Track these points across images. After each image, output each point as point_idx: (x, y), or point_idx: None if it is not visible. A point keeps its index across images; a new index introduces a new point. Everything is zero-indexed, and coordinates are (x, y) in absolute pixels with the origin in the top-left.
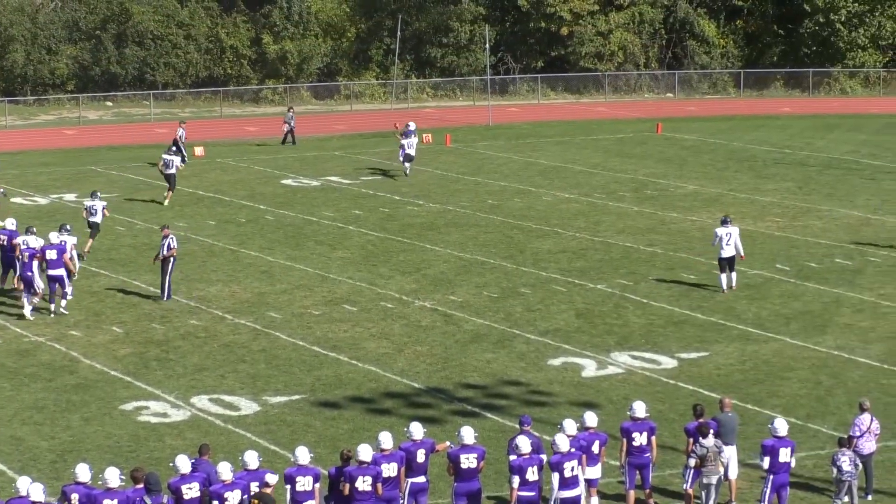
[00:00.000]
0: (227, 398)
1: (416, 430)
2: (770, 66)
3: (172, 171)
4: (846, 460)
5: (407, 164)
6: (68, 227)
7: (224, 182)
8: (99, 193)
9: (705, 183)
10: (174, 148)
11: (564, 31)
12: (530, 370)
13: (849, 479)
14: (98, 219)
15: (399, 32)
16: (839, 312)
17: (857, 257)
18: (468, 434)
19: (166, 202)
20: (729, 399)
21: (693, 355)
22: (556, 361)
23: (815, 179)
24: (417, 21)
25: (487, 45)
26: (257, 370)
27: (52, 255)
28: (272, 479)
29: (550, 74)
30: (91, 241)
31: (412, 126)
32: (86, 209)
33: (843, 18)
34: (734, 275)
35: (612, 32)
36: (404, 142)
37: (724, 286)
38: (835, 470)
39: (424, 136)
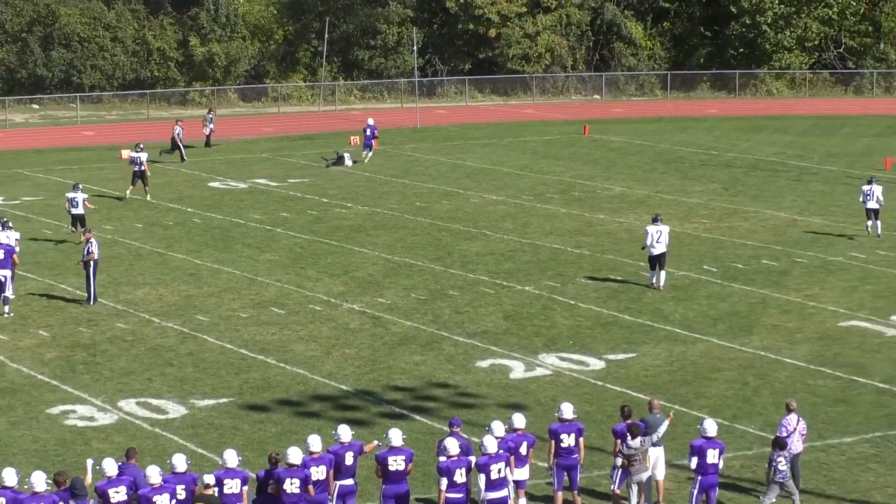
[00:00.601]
0: (154, 402)
1: (345, 432)
2: (697, 67)
3: (142, 167)
4: (782, 461)
5: (367, 151)
6: (10, 223)
7: (151, 185)
8: (80, 186)
9: (632, 184)
10: (172, 147)
11: (492, 32)
12: (458, 372)
13: (782, 479)
14: (80, 210)
15: (327, 35)
16: (766, 313)
17: (784, 258)
18: (396, 436)
19: (148, 197)
20: (657, 400)
21: (621, 356)
22: (485, 363)
23: (741, 181)
24: (345, 23)
25: (415, 48)
26: (185, 373)
27: None
28: (210, 479)
29: (478, 77)
30: (72, 229)
31: (371, 122)
32: (67, 201)
33: (769, 20)
34: (663, 273)
35: (540, 35)
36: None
37: (653, 281)
38: (771, 470)
39: (352, 138)
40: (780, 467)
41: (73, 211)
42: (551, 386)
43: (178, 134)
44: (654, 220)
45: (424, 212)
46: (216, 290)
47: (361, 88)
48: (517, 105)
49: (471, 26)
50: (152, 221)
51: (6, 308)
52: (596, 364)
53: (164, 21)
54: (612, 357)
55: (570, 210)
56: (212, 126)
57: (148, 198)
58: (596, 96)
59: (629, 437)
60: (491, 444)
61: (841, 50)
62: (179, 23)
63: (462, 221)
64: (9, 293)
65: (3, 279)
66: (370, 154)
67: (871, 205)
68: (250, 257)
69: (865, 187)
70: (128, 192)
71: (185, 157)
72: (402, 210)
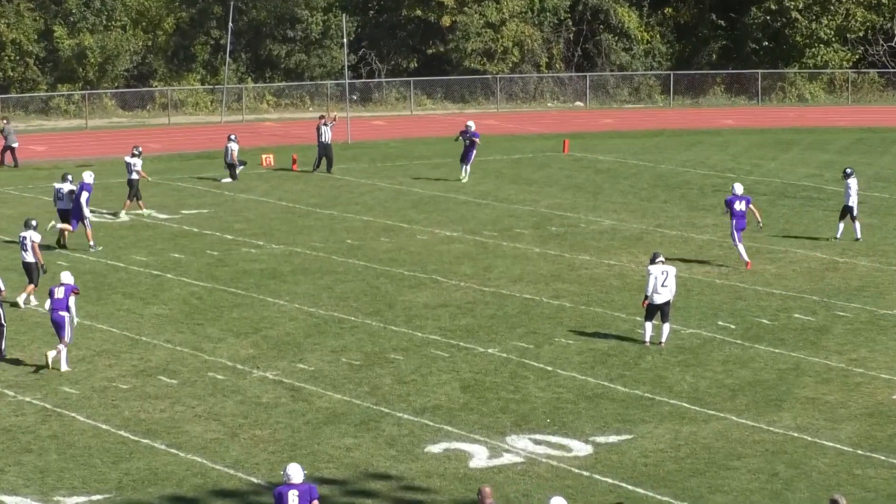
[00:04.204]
0: (9, 500)
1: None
2: (707, 66)
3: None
4: None
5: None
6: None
7: (4, 217)
8: (70, 177)
9: (625, 216)
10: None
11: (445, 21)
12: (403, 459)
13: None
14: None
15: (231, 24)
16: (799, 383)
17: (822, 312)
18: None
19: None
20: None
21: (612, 439)
22: (437, 448)
23: (766, 212)
24: (255, 9)
25: (345, 41)
26: (47, 462)
27: None
28: None
29: (426, 78)
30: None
31: (471, 125)
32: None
33: (800, 6)
34: (667, 328)
35: (506, 24)
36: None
37: (649, 337)
38: None
39: (265, 156)
40: None
41: (61, 205)
42: (523, 478)
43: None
44: (654, 260)
45: (358, 251)
46: (87, 353)
47: (276, 93)
48: (477, 114)
49: (417, 12)
50: (5, 265)
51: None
52: (581, 449)
53: (21, 6)
54: (601, 440)
55: (545, 249)
56: (9, 140)
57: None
58: (578, 103)
59: None
60: None
61: (893, 44)
62: (41, 8)
63: (407, 264)
64: None
65: None
66: (468, 170)
67: (852, 202)
68: (132, 311)
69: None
70: (143, 208)
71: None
72: (329, 249)
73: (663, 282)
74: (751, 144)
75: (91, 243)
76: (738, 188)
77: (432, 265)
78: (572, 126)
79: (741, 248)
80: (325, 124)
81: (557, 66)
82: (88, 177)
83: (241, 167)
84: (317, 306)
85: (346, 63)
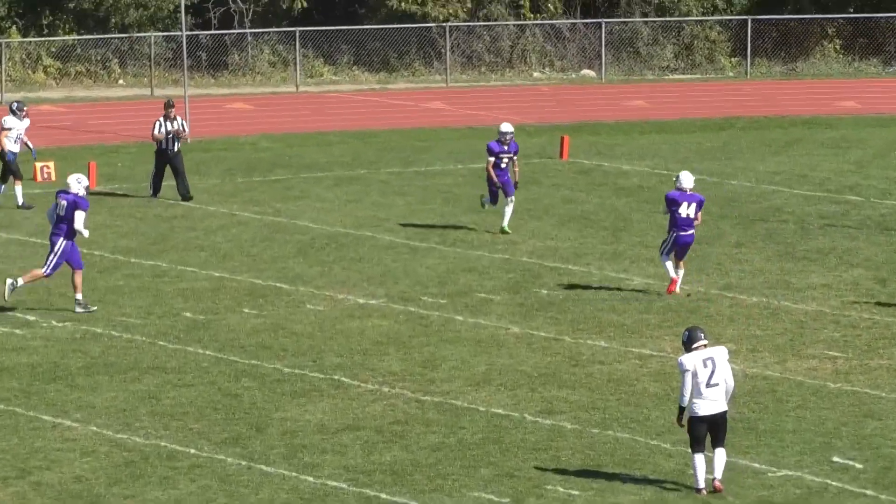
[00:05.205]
0: None
1: None
2: (813, 8)
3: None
4: None
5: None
6: None
7: None
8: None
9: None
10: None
11: None
12: None
13: None
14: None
15: None
16: None
17: None
18: None
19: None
20: None
21: None
22: None
23: None
24: None
25: None
26: None
27: None
28: None
29: (322, 28)
30: None
31: (508, 129)
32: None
33: None
34: (721, 457)
35: None
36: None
37: (702, 480)
38: None
39: (40, 165)
40: None
41: None
42: None
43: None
44: (691, 343)
45: (203, 332)
46: None
47: (60, 53)
48: (412, 91)
49: None
50: None
51: None
52: None
53: None
54: None
55: (529, 328)
56: None
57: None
58: (587, 72)
59: None
60: None
61: None
62: None
63: (288, 355)
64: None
65: None
66: (509, 211)
67: None
68: None
69: None
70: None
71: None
72: (152, 329)
73: (709, 379)
74: (888, 145)
75: None
76: (687, 179)
77: (333, 356)
78: (576, 112)
79: (670, 266)
80: (172, 120)
81: (551, 7)
82: None
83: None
84: (129, 431)
85: (182, 2)
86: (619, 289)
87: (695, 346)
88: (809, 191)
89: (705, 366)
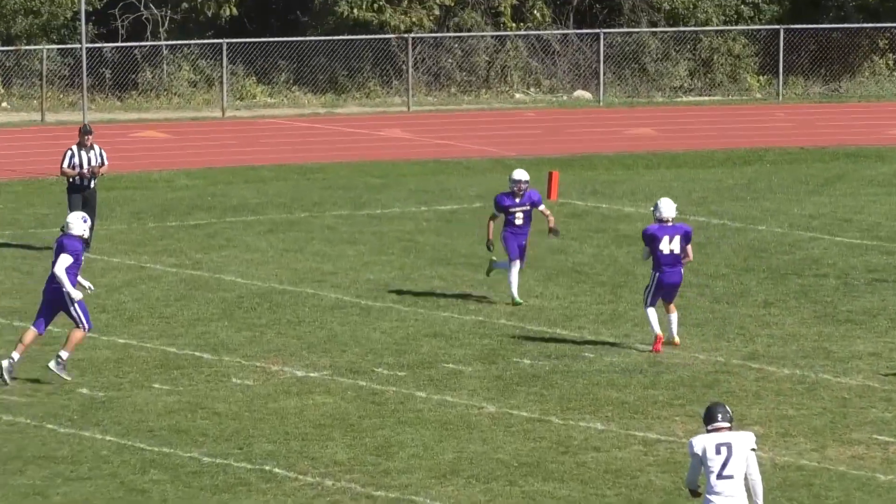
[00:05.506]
0: None
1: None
2: (857, 16)
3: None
4: None
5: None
6: None
7: None
8: None
9: (683, 337)
10: None
11: None
12: None
13: None
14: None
15: None
16: None
17: None
18: None
19: None
20: None
21: None
22: None
23: None
24: None
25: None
26: None
27: None
28: None
29: (255, 40)
30: None
31: (522, 177)
32: None
33: None
34: None
35: None
36: None
37: None
38: None
39: None
40: None
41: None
42: None
43: None
44: (711, 420)
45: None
46: None
47: None
48: (365, 117)
49: None
50: None
51: None
52: None
53: None
54: None
55: (507, 406)
56: None
57: None
58: (581, 93)
59: None
60: None
61: None
62: None
63: (209, 440)
64: None
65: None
66: (516, 279)
67: None
68: None
69: None
70: None
71: None
72: None
73: (720, 470)
74: None
75: None
76: (667, 208)
77: (265, 442)
78: (568, 143)
79: (654, 319)
80: (88, 149)
81: (538, 14)
82: None
83: None
84: None
85: (82, 7)
86: (619, 362)
87: (710, 426)
88: (855, 238)
89: (718, 452)
